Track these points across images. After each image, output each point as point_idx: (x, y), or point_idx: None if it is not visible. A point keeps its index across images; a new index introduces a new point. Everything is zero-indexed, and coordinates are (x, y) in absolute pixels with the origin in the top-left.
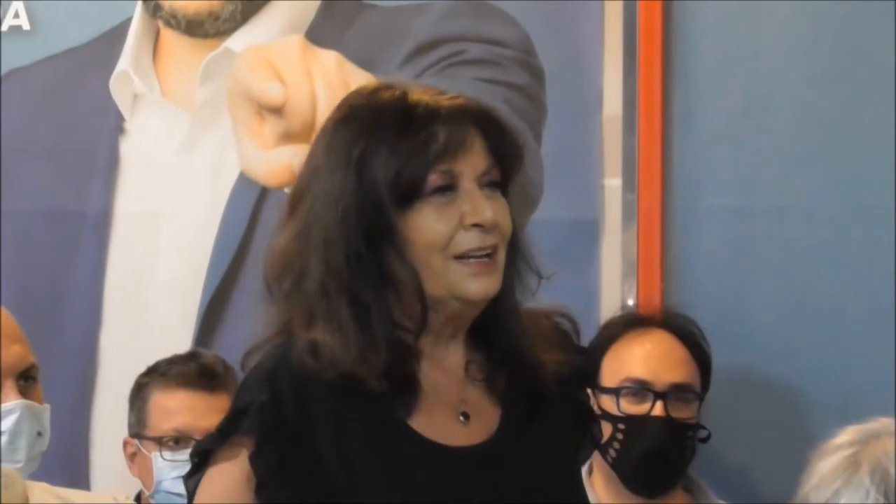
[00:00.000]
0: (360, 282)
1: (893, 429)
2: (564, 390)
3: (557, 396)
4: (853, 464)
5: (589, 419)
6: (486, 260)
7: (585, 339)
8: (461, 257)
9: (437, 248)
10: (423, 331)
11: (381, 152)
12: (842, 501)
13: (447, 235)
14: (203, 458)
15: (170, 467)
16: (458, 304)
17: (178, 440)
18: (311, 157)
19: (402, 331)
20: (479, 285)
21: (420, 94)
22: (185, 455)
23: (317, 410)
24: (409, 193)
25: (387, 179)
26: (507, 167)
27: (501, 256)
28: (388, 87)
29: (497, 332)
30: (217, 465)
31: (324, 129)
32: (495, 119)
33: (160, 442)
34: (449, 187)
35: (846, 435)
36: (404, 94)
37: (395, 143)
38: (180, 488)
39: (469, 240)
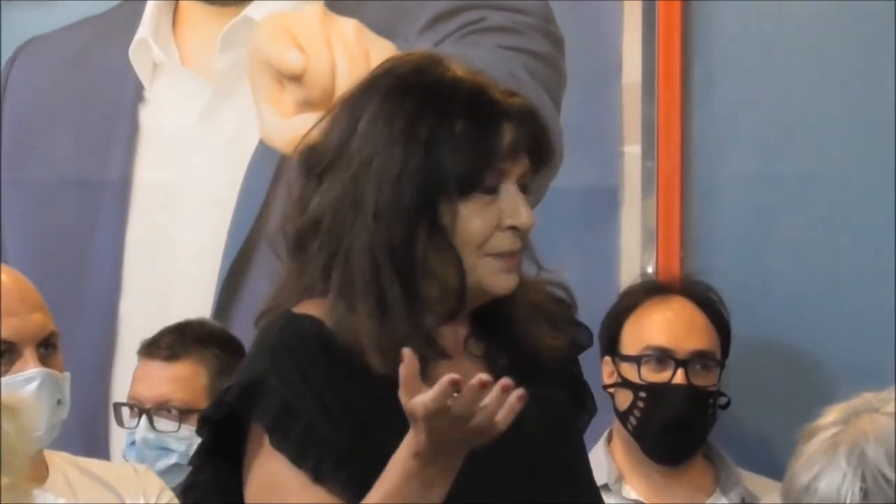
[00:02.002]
0: (410, 260)
1: (877, 404)
2: (563, 367)
3: (556, 373)
4: (832, 446)
5: (582, 392)
6: (513, 257)
7: (605, 307)
8: (492, 254)
9: (474, 245)
10: (452, 320)
11: (451, 138)
12: (821, 485)
13: (485, 234)
14: (210, 426)
15: (125, 435)
16: (477, 294)
17: (132, 407)
18: (349, 120)
19: (435, 316)
20: (506, 281)
21: (478, 81)
22: (134, 423)
23: (321, 384)
24: (471, 185)
25: (455, 167)
26: (538, 170)
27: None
28: (437, 61)
29: (500, 317)
30: (257, 456)
31: (365, 94)
32: (548, 131)
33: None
34: (495, 185)
35: (831, 414)
36: (462, 78)
37: (467, 132)
38: (131, 457)
39: (504, 241)
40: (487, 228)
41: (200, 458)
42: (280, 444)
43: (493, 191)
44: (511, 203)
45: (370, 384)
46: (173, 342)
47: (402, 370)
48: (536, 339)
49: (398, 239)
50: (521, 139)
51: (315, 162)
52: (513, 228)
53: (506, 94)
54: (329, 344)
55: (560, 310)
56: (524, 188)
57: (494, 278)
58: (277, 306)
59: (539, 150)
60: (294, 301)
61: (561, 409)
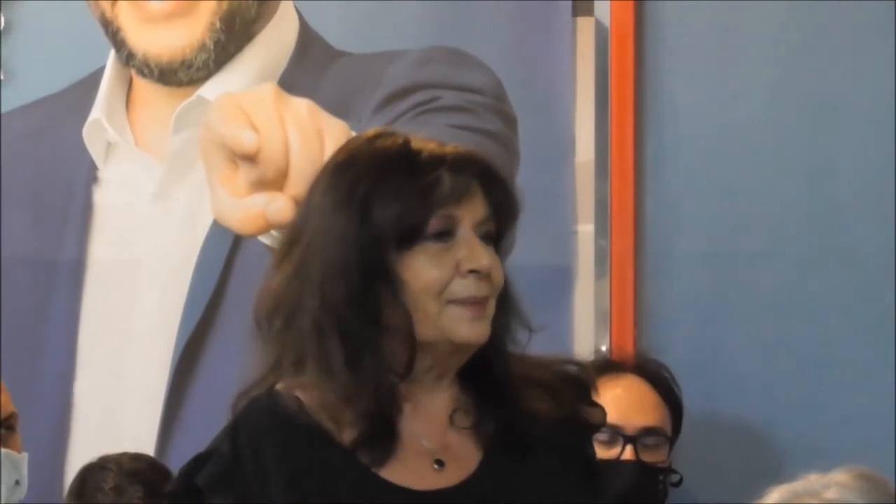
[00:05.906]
0: (356, 320)
1: (819, 488)
2: (567, 443)
3: (558, 448)
4: None
5: (593, 471)
6: (480, 305)
7: None
8: (456, 302)
9: (432, 294)
10: (408, 375)
11: (386, 193)
12: None
13: (443, 281)
14: (173, 498)
15: None
16: (448, 348)
17: None
18: (309, 198)
19: (391, 374)
20: (471, 330)
21: (423, 141)
22: None
23: (274, 463)
24: (411, 235)
25: (391, 220)
26: (503, 221)
27: (492, 306)
28: (389, 134)
29: (488, 380)
30: None
31: (323, 172)
32: (497, 172)
33: None
34: (447, 233)
35: (773, 496)
36: (407, 141)
37: (401, 185)
38: None
39: (465, 287)
40: (444, 275)
41: None
42: None
43: (445, 238)
44: (467, 248)
45: (332, 453)
46: None
47: None
48: (528, 406)
49: (342, 301)
50: (465, 183)
51: (288, 241)
52: (474, 273)
53: (442, 146)
54: (293, 417)
55: (568, 388)
56: (489, 236)
57: (459, 326)
58: (251, 389)
59: (493, 193)
60: (268, 380)
61: (561, 483)
